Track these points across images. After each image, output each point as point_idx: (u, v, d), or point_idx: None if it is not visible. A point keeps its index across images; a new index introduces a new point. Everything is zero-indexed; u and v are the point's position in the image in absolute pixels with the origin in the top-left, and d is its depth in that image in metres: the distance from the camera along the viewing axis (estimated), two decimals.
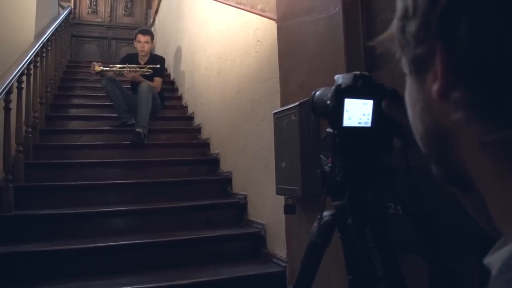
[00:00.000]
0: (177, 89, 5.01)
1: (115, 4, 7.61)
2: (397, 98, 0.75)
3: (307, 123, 1.58)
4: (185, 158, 3.54)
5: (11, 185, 2.52)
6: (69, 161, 3.19)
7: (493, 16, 0.25)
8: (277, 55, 2.00)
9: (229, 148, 3.17)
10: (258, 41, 2.54)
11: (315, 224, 0.96)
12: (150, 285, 2.00)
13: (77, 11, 7.32)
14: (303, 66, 1.70)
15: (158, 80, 4.12)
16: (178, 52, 5.02)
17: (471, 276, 0.97)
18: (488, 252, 0.28)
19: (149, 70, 4.07)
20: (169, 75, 5.32)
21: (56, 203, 2.66)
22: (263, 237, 2.49)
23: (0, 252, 2.12)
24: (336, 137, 0.83)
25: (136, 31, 4.37)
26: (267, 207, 2.48)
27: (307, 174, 1.56)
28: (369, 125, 0.83)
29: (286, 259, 2.08)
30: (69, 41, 6.33)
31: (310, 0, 1.66)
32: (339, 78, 0.85)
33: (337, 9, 1.45)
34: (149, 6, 7.66)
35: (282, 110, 1.77)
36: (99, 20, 7.51)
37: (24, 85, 2.94)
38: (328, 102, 0.84)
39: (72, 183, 2.88)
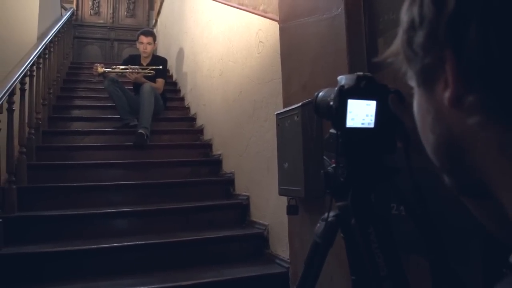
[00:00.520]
0: (179, 90, 5.02)
1: (117, 5, 7.64)
2: (400, 99, 0.75)
3: (309, 124, 1.58)
4: (187, 159, 3.54)
5: (14, 186, 2.53)
6: (72, 162, 3.20)
7: (501, 18, 0.25)
8: (279, 56, 2.00)
9: (231, 149, 3.17)
10: (261, 42, 2.54)
11: (318, 224, 0.96)
12: (154, 286, 2.00)
13: (79, 12, 7.35)
14: (305, 67, 1.70)
15: (160, 81, 4.12)
16: (180, 53, 5.03)
17: (474, 276, 0.97)
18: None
19: (152, 71, 4.07)
20: (171, 76, 5.32)
21: (59, 204, 2.67)
22: (266, 238, 2.49)
23: (4, 253, 2.13)
24: (339, 138, 0.84)
25: (138, 32, 4.38)
26: (269, 208, 2.48)
27: (310, 175, 1.56)
28: (372, 125, 0.84)
29: (289, 260, 2.07)
30: (72, 43, 6.34)
31: (312, 1, 1.66)
32: (342, 79, 0.85)
33: (339, 9, 1.45)
34: (151, 7, 7.68)
35: (285, 111, 1.77)
36: (101, 21, 7.54)
37: (27, 86, 2.94)
38: (331, 103, 0.84)
39: (75, 184, 2.89)
